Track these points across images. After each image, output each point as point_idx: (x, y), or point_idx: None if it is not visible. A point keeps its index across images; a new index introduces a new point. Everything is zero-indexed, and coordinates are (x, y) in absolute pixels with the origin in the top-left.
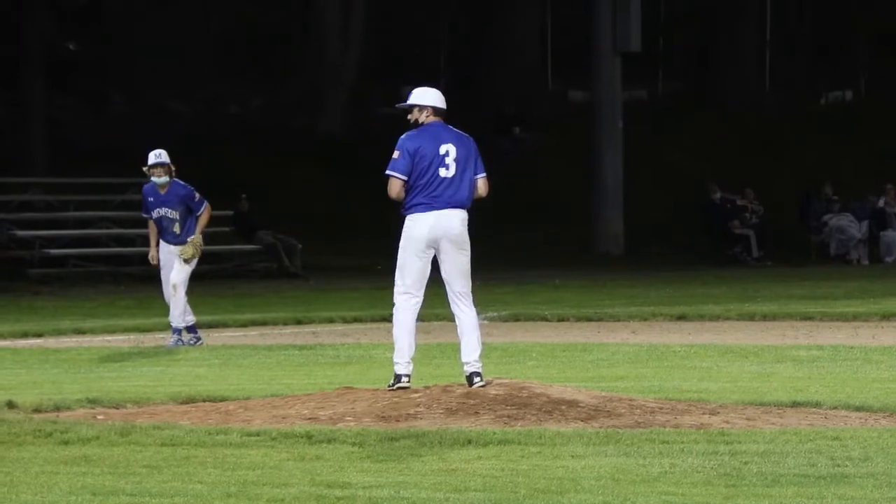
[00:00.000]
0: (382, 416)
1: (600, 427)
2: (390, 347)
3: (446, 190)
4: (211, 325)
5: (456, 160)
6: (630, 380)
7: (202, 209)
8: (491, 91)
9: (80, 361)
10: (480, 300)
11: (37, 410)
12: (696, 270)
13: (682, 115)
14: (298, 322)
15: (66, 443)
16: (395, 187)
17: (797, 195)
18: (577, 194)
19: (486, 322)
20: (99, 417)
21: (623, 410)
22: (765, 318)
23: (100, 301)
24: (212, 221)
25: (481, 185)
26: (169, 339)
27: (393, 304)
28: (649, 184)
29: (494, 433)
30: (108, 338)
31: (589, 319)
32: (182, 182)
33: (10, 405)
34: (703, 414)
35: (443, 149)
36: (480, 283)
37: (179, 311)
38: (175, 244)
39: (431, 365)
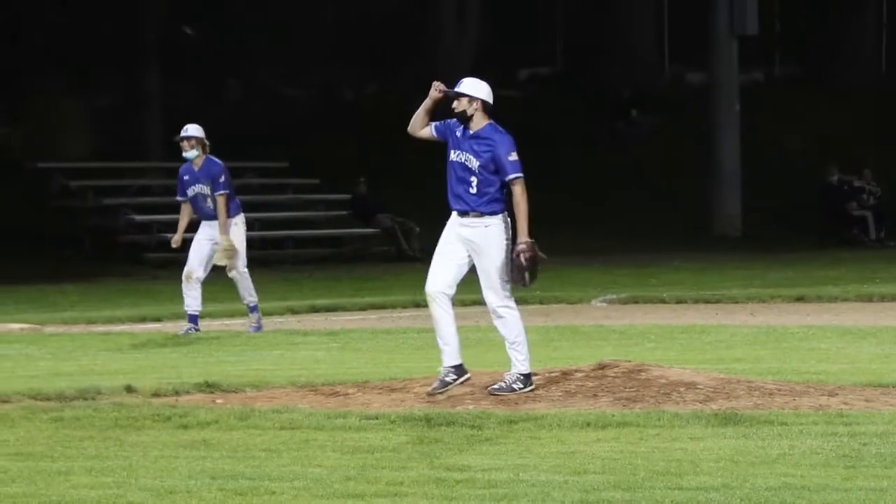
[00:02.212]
0: (501, 399)
1: (719, 409)
2: None
3: None
4: (329, 309)
5: None
6: (748, 362)
7: (220, 191)
8: (608, 74)
9: (198, 345)
10: (599, 282)
11: (156, 395)
12: (813, 252)
13: (799, 97)
14: (417, 305)
15: (185, 427)
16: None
17: None
18: (694, 177)
19: (604, 305)
20: (218, 401)
21: (741, 392)
22: (883, 299)
23: (219, 285)
24: (331, 205)
25: None
26: (250, 322)
27: (503, 311)
28: (766, 166)
29: (613, 415)
30: (227, 321)
31: (707, 301)
32: (217, 160)
33: (129, 389)
34: (822, 395)
35: None
36: (599, 266)
37: (250, 288)
38: (213, 219)
39: (550, 347)
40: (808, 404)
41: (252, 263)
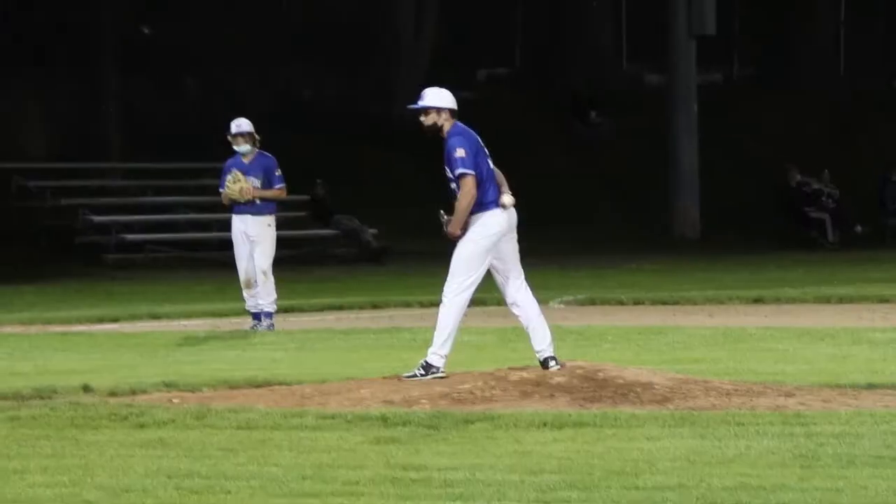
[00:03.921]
0: (457, 399)
1: (675, 409)
2: (471, 331)
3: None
4: (287, 310)
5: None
6: (706, 362)
7: (280, 185)
8: (565, 75)
9: (156, 346)
10: (557, 284)
11: (112, 394)
12: (772, 254)
13: (757, 98)
14: (375, 306)
15: (141, 426)
16: (473, 184)
17: (874, 178)
18: (653, 178)
19: (562, 306)
20: (175, 401)
21: (698, 393)
22: (841, 300)
23: (177, 286)
24: (289, 206)
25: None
26: (262, 322)
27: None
28: (725, 167)
29: (570, 415)
30: (185, 322)
31: (665, 303)
32: (267, 153)
33: (86, 389)
34: (779, 396)
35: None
36: (557, 267)
37: (273, 297)
38: (251, 214)
39: (507, 348)
40: (765, 404)
41: (212, 264)
